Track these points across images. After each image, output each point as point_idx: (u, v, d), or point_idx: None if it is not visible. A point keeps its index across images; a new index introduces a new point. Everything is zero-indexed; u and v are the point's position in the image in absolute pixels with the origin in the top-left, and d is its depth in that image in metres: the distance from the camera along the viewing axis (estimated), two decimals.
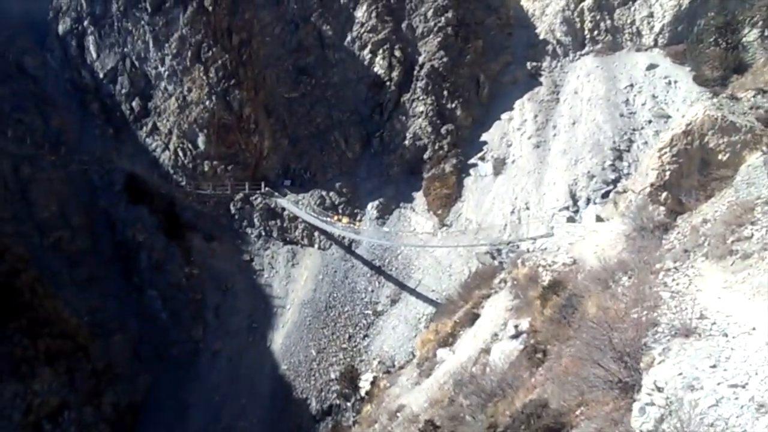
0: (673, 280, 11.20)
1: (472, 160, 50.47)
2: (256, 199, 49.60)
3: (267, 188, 50.10)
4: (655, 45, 49.58)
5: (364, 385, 30.71)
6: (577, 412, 9.07)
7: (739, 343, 8.30)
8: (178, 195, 48.15)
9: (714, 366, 7.55)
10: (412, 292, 45.95)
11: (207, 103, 49.12)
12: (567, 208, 43.69)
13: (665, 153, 18.95)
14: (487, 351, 17.99)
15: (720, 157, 18.08)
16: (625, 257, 15.12)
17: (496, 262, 40.48)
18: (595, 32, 51.48)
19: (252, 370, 42.91)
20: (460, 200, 49.30)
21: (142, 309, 42.15)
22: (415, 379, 25.81)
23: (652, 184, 19.21)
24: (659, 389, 7.40)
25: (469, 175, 50.07)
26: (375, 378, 31.07)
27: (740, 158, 17.07)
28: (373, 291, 46.98)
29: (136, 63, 51.11)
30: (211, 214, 48.50)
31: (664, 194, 19.04)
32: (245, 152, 50.64)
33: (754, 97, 18.25)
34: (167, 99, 50.16)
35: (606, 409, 8.30)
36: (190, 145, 49.46)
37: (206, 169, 49.48)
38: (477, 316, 25.35)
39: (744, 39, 43.33)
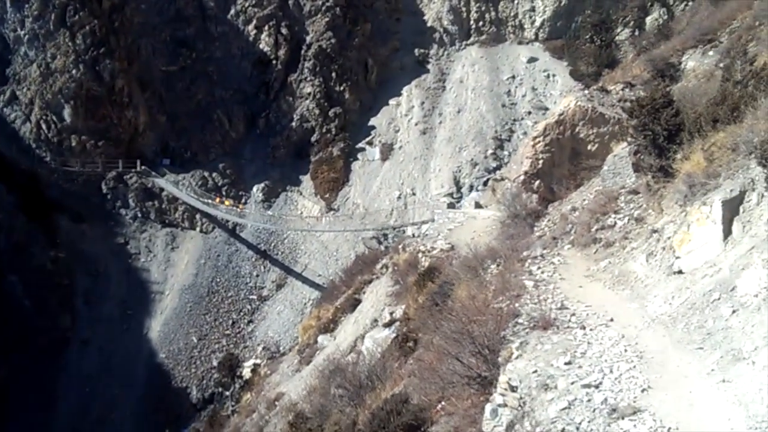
0: (539, 268, 11.30)
1: (360, 145, 50.37)
2: (131, 178, 46.54)
3: (143, 167, 47.13)
4: (536, 39, 51.49)
5: (245, 373, 29.60)
6: (438, 407, 8.88)
7: (596, 336, 8.32)
8: (41, 171, 44.22)
9: (569, 363, 7.45)
10: (299, 276, 45.35)
11: (74, 72, 45.17)
12: (451, 194, 44.76)
13: (539, 142, 19.46)
14: (363, 338, 17.71)
15: (589, 147, 18.82)
16: (494, 244, 15.25)
17: (382, 247, 40.60)
18: (480, 23, 52.60)
19: (126, 360, 40.54)
20: (348, 184, 49.12)
21: (0, 295, 38.29)
22: (295, 366, 25.15)
23: (525, 172, 19.69)
24: (513, 389, 7.29)
25: (356, 159, 49.99)
26: (255, 365, 30.03)
27: (608, 149, 17.80)
28: (258, 276, 45.88)
29: None
30: (80, 193, 44.98)
31: (537, 182, 19.57)
32: (118, 127, 47.25)
33: (622, 90, 19.12)
34: (28, 66, 45.73)
35: (465, 405, 8.13)
36: (54, 118, 45.42)
37: (74, 144, 45.72)
38: (358, 301, 25.04)
39: (617, 37, 45.97)
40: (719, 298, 7.94)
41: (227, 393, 31.21)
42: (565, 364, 7.39)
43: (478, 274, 12.44)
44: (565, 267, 11.37)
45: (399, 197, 47.01)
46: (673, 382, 7.07)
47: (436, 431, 8.60)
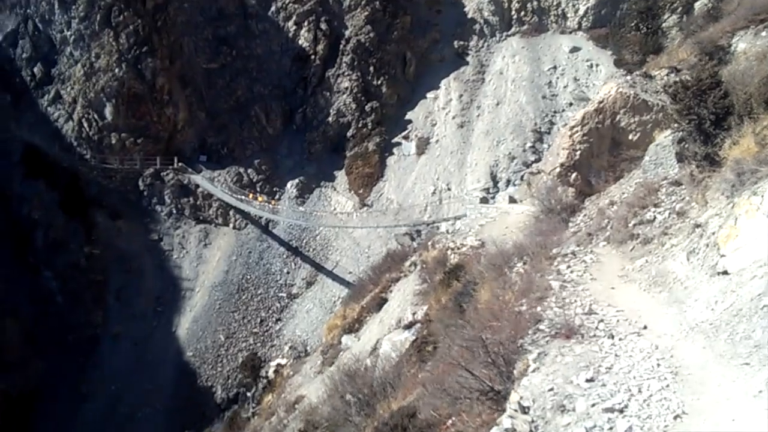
0: (569, 267, 10.23)
1: (395, 139, 49.66)
2: (167, 174, 46.77)
3: (180, 164, 47.29)
4: (579, 28, 49.84)
5: (268, 373, 29.07)
6: (448, 423, 7.96)
7: (625, 347, 7.21)
8: (81, 169, 44.76)
9: (591, 380, 6.36)
10: (329, 274, 44.77)
11: (116, 71, 45.71)
12: (487, 189, 43.53)
13: (576, 132, 18.24)
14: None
15: (631, 136, 17.52)
16: (522, 241, 14.19)
17: (414, 244, 39.65)
18: (522, 13, 51.23)
19: (155, 357, 40.60)
20: (382, 180, 48.43)
21: (36, 291, 38.89)
22: (318, 367, 24.47)
23: (562, 164, 18.50)
24: (524, 409, 6.25)
25: (392, 154, 49.26)
26: (279, 366, 29.47)
27: (651, 138, 16.44)
28: (288, 273, 45.50)
29: (40, 26, 47.08)
30: (117, 190, 45.38)
31: (574, 175, 18.37)
32: (157, 125, 47.59)
33: (667, 75, 17.72)
34: (72, 66, 46.39)
35: (476, 422, 7.19)
36: (96, 116, 45.99)
37: (113, 141, 46.22)
38: (385, 300, 24.26)
39: (664, 24, 43.81)
40: None
41: (249, 394, 30.69)
42: (587, 381, 6.32)
43: (503, 273, 11.46)
44: (598, 266, 10.29)
45: (434, 193, 46.07)
46: (712, 406, 5.93)
47: None
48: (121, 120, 46.24)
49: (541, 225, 17.41)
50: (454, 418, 7.72)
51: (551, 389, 6.30)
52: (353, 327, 25.13)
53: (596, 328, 7.66)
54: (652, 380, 6.36)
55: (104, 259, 42.32)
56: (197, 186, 47.15)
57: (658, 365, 6.72)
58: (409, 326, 15.43)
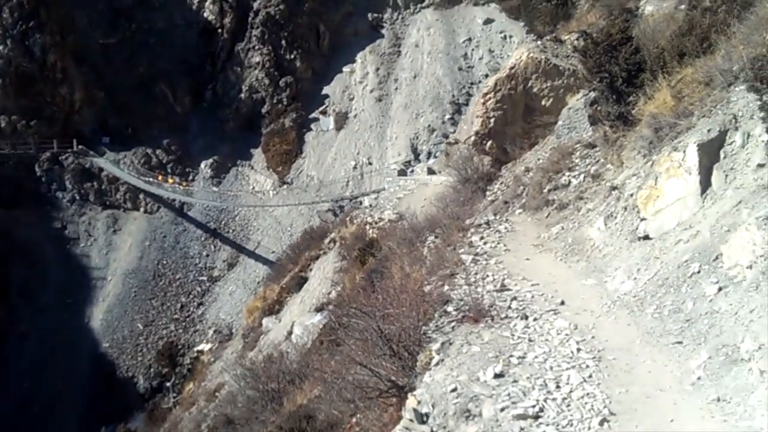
0: (482, 238, 9.52)
1: (313, 115, 48.63)
2: (66, 158, 43.49)
3: (80, 146, 44.05)
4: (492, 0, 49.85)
5: (186, 361, 27.61)
6: (353, 422, 7.13)
7: (540, 330, 6.33)
8: None
9: (501, 374, 5.39)
10: (251, 254, 43.51)
11: (1, 48, 41.73)
12: (409, 162, 43.24)
13: (489, 99, 17.75)
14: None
15: (544, 102, 17.17)
16: (435, 212, 13.52)
17: (338, 220, 38.87)
18: None
19: (68, 351, 38.06)
20: (301, 156, 47.42)
21: None
22: (240, 352, 23.31)
23: (477, 132, 17.98)
24: (422, 418, 5.22)
25: (310, 129, 48.25)
26: (199, 352, 28.07)
27: (564, 103, 16.13)
28: (208, 255, 43.85)
29: None
30: (11, 177, 41.69)
31: (489, 143, 17.90)
32: (52, 105, 44.05)
33: (577, 39, 17.41)
34: None
35: (382, 419, 6.36)
36: None
37: (3, 125, 42.38)
38: (305, 280, 23.28)
39: None
40: (699, 272, 6.11)
41: (168, 384, 29.15)
42: (496, 376, 5.40)
43: (416, 248, 10.70)
44: (513, 235, 9.66)
45: (355, 167, 45.43)
46: (644, 402, 5.08)
47: None
48: (11, 101, 42.49)
49: (459, 195, 16.91)
50: (358, 416, 6.91)
51: (454, 389, 5.34)
52: (273, 309, 24.11)
53: (508, 307, 6.83)
54: (572, 371, 5.48)
55: (3, 251, 39.00)
56: (101, 169, 44.17)
57: (578, 350, 5.88)
58: (320, 309, 14.48)
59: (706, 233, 6.49)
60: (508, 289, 7.41)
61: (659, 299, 6.38)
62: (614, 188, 8.70)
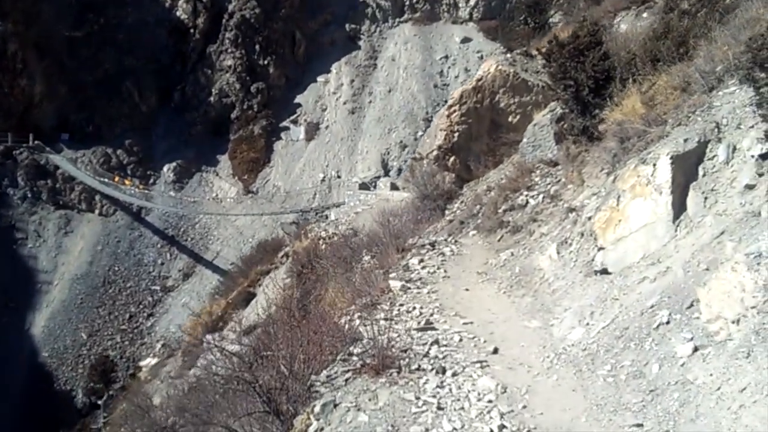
0: (421, 261, 8.24)
1: (283, 123, 47.43)
2: (21, 153, 41.46)
3: (37, 142, 42.07)
4: (470, 19, 49.96)
5: (123, 376, 25.76)
6: None
7: (456, 392, 4.80)
8: None
9: None
10: (209, 265, 41.76)
11: None
12: (378, 177, 42.23)
13: (454, 111, 16.63)
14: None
15: (510, 118, 16.11)
16: (376, 229, 12.27)
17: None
18: (414, 0, 50.27)
19: (4, 357, 35.74)
20: (269, 165, 46.15)
21: None
22: (178, 371, 21.63)
23: (440, 147, 16.83)
24: None
25: (279, 138, 47.10)
26: (136, 369, 26.25)
27: (530, 121, 15.09)
28: (163, 264, 42.02)
29: None
30: None
31: (452, 159, 16.76)
32: (9, 97, 42.08)
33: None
34: None
35: None
36: None
37: None
38: (253, 295, 21.82)
39: (550, 19, 44.25)
40: (668, 322, 4.70)
41: (100, 402, 27.15)
42: None
43: (351, 268, 9.39)
44: (458, 260, 8.39)
45: (323, 180, 44.27)
46: None
47: None
48: None
49: (417, 213, 15.74)
50: None
51: None
52: (217, 325, 22.53)
53: (425, 354, 5.35)
54: None
55: None
56: (57, 167, 42.19)
57: (502, 428, 4.33)
58: (248, 332, 13.00)
59: (679, 271, 5.13)
60: (433, 328, 6.02)
61: (615, 357, 4.94)
62: (571, 210, 7.45)
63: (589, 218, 6.70)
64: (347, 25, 49.98)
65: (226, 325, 21.80)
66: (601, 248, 6.27)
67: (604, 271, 6.21)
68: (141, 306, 39.56)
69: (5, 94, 42.12)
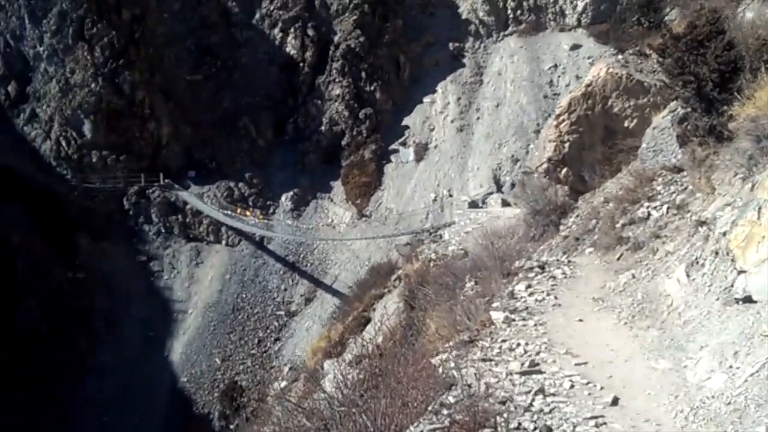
0: (529, 286, 7.50)
1: (392, 146, 47.84)
2: (153, 192, 44.76)
3: (166, 180, 45.26)
4: (579, 25, 48.06)
5: (250, 401, 26.56)
6: None
7: None
8: (61, 190, 42.73)
9: None
10: (328, 289, 42.69)
11: (92, 86, 43.84)
12: (490, 193, 41.32)
13: (563, 121, 15.67)
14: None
15: (626, 123, 14.92)
16: (479, 252, 11.56)
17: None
18: (518, 12, 49.45)
19: (148, 384, 38.31)
20: (380, 188, 46.62)
21: (15, 321, 36.77)
22: (297, 399, 21.86)
23: (549, 159, 15.91)
24: None
25: (389, 161, 47.50)
26: (261, 395, 26.97)
27: (649, 124, 13.86)
28: (286, 290, 43.45)
29: (11, 42, 45.28)
30: (100, 211, 43.33)
31: (564, 170, 15.77)
32: (140, 141, 45.66)
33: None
34: (47, 82, 44.61)
35: None
36: (74, 134, 44.11)
37: (94, 159, 44.28)
38: (368, 320, 21.73)
39: (666, 18, 41.57)
40: None
41: (232, 427, 28.14)
42: None
43: (456, 296, 8.84)
44: (571, 283, 7.57)
45: (435, 200, 44.03)
46: None
47: None
48: (101, 137, 44.33)
49: (529, 230, 14.92)
50: None
51: None
52: (335, 350, 22.63)
53: (527, 407, 4.50)
54: None
55: (89, 283, 40.22)
56: (186, 203, 45.11)
57: None
58: (359, 360, 12.67)
59: None
60: (539, 372, 5.21)
61: None
62: (701, 223, 6.45)
63: (724, 234, 5.69)
64: (450, 44, 49.78)
65: (344, 350, 21.86)
66: (741, 271, 5.27)
67: (748, 299, 5.18)
68: (268, 331, 41.07)
69: (137, 138, 45.74)
